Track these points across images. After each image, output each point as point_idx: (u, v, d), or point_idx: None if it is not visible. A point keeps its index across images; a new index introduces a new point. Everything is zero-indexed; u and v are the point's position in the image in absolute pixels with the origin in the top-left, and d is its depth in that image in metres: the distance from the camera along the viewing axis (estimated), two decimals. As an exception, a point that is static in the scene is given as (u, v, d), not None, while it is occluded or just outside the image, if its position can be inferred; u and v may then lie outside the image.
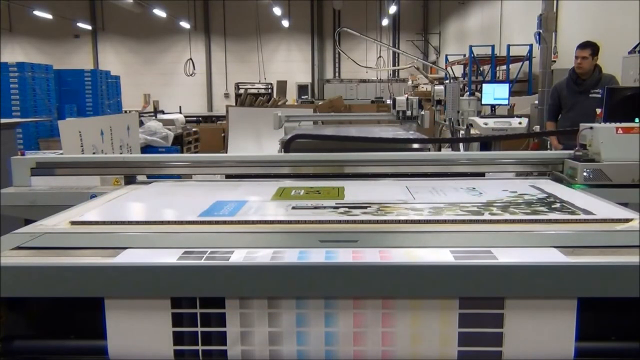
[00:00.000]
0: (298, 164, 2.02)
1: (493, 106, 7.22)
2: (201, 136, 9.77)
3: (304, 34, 22.36)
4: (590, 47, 4.64)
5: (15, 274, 1.01)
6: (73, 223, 1.33)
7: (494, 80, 10.86)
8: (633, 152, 1.77)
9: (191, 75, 17.68)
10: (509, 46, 10.73)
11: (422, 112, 4.43)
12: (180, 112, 12.36)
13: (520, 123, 5.78)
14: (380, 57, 19.12)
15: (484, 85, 7.97)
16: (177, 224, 1.32)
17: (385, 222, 1.30)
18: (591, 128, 1.87)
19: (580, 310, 0.97)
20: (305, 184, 1.80)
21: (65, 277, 1.01)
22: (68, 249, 1.15)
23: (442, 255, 1.02)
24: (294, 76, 21.23)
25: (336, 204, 1.48)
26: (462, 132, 6.47)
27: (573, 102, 4.77)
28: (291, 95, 19.37)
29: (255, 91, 15.70)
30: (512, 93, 8.01)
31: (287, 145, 2.44)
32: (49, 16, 19.02)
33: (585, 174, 1.77)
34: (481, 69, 11.55)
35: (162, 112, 11.50)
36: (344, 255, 1.02)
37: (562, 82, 5.00)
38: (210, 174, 2.03)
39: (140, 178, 2.05)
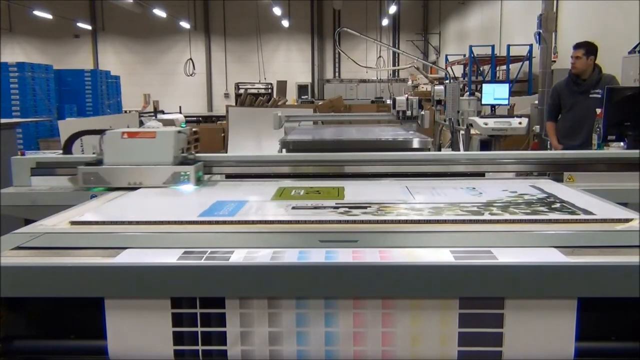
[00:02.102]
0: (298, 164, 2.02)
1: (493, 106, 7.22)
2: (201, 136, 9.77)
3: (304, 34, 22.35)
4: (583, 47, 4.63)
5: (15, 274, 1.01)
6: (73, 223, 1.33)
7: (494, 80, 10.86)
8: (132, 156, 1.84)
9: (191, 75, 17.68)
10: (509, 46, 10.73)
11: (422, 112, 4.43)
12: (180, 112, 12.36)
13: (520, 123, 5.78)
14: (380, 57, 19.11)
15: (484, 85, 7.98)
16: (177, 224, 1.32)
17: (385, 222, 1.30)
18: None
19: (580, 310, 0.97)
20: (305, 184, 1.80)
21: (65, 277, 1.01)
22: (68, 249, 1.15)
23: (442, 255, 1.02)
24: (294, 76, 21.22)
25: (336, 204, 1.48)
26: (462, 132, 6.47)
27: (573, 102, 4.76)
28: (291, 95, 19.36)
29: (255, 91, 15.69)
30: (512, 93, 8.01)
31: (67, 144, 2.39)
32: (49, 16, 19.01)
33: (91, 178, 1.82)
34: (481, 69, 11.55)
35: (162, 112, 11.51)
36: (344, 255, 1.02)
37: (562, 82, 4.99)
38: (210, 173, 2.03)
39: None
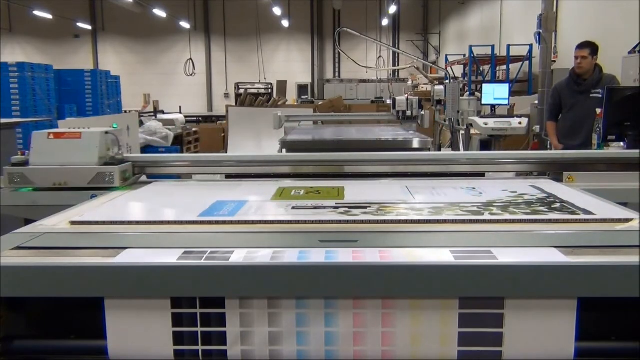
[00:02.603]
0: (298, 164, 2.02)
1: (493, 106, 7.21)
2: (201, 136, 9.76)
3: (304, 34, 22.35)
4: (589, 47, 4.63)
5: (15, 274, 1.01)
6: (73, 223, 1.33)
7: (494, 80, 10.85)
8: (58, 157, 1.84)
9: (191, 75, 17.67)
10: (509, 46, 10.73)
11: (422, 112, 4.43)
12: (180, 112, 12.35)
13: (520, 123, 5.77)
14: (380, 57, 19.11)
15: (484, 85, 7.97)
16: (177, 224, 1.32)
17: (385, 222, 1.30)
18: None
19: (580, 310, 0.97)
20: (305, 184, 1.80)
21: (65, 277, 1.01)
22: (68, 249, 1.15)
23: (442, 255, 1.02)
24: (294, 76, 21.22)
25: (336, 204, 1.48)
26: (462, 132, 6.47)
27: (573, 102, 4.77)
28: (291, 95, 19.35)
29: (255, 91, 15.68)
30: (512, 93, 8.00)
31: None
32: (49, 16, 19.01)
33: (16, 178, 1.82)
34: (481, 69, 11.54)
35: (162, 112, 11.50)
36: (344, 255, 1.02)
37: (562, 82, 5.00)
38: (210, 173, 2.03)
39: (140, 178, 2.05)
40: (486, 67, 11.41)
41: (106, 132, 1.92)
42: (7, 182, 1.83)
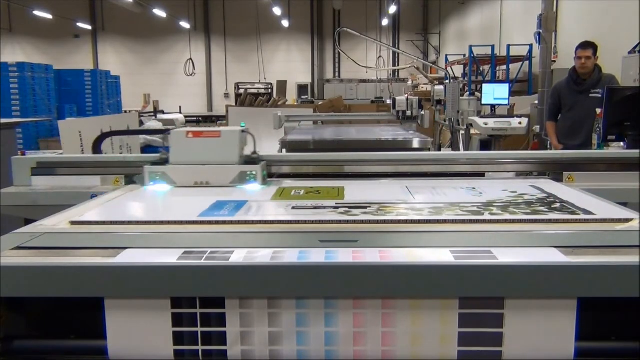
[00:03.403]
0: (298, 164, 2.02)
1: (493, 106, 7.21)
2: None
3: (304, 34, 22.34)
4: (591, 47, 4.64)
5: (15, 274, 1.01)
6: (73, 223, 1.33)
7: (494, 80, 10.85)
8: (198, 156, 1.83)
9: (191, 75, 17.67)
10: (509, 46, 10.73)
11: (422, 112, 4.43)
12: (180, 112, 12.36)
13: (520, 123, 5.78)
14: (380, 57, 19.11)
15: (484, 85, 7.97)
16: (177, 224, 1.32)
17: (385, 222, 1.30)
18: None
19: (580, 310, 0.97)
20: (305, 184, 1.80)
21: (65, 277, 1.01)
22: (68, 249, 1.15)
23: (442, 255, 1.02)
24: (294, 76, 21.22)
25: (336, 204, 1.48)
26: (462, 132, 6.47)
27: (573, 102, 4.77)
28: (291, 95, 19.35)
29: (255, 91, 15.69)
30: (512, 93, 8.01)
31: (96, 144, 2.37)
32: (49, 16, 19.00)
33: (157, 177, 1.81)
34: (481, 69, 11.54)
35: (162, 112, 11.50)
36: (344, 255, 1.02)
37: (562, 81, 4.99)
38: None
39: (140, 178, 2.05)
40: (486, 67, 11.41)
41: (242, 131, 1.91)
42: (148, 180, 1.81)
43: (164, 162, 1.87)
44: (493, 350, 0.99)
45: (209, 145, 1.85)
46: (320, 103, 12.95)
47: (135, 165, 2.01)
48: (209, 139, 1.87)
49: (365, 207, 1.42)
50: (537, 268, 0.97)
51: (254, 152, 1.91)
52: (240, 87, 17.21)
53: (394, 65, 20.82)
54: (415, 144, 3.14)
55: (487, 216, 1.33)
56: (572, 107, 4.79)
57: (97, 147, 2.32)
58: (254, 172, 1.80)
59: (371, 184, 1.84)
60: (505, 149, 5.60)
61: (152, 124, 8.13)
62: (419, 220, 1.31)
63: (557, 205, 1.44)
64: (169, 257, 1.03)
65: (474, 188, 1.69)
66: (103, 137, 2.38)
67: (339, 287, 0.98)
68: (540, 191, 1.63)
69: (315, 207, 1.45)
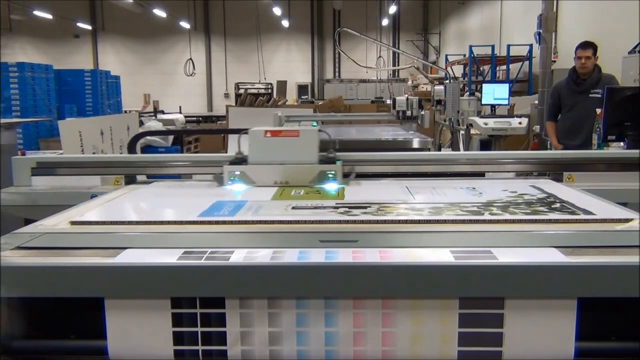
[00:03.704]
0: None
1: (493, 106, 7.21)
2: (201, 136, 9.77)
3: (304, 34, 22.35)
4: (591, 47, 4.64)
5: (15, 274, 1.01)
6: (73, 223, 1.33)
7: (494, 80, 10.86)
8: (277, 155, 1.82)
9: (191, 75, 17.68)
10: (509, 46, 10.73)
11: (422, 112, 4.43)
12: (180, 112, 12.36)
13: (520, 123, 5.78)
14: (380, 57, 19.12)
15: (484, 85, 7.97)
16: (177, 224, 1.32)
17: (385, 222, 1.30)
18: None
19: (580, 310, 0.97)
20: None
21: (65, 277, 1.01)
22: (68, 249, 1.15)
23: (442, 255, 1.02)
24: (294, 76, 21.22)
25: (336, 204, 1.48)
26: (462, 132, 6.47)
27: (573, 102, 4.77)
28: (291, 95, 19.35)
29: (255, 91, 15.69)
30: (512, 93, 8.01)
31: (131, 144, 2.36)
32: (49, 16, 19.01)
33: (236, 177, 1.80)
34: (481, 69, 11.55)
35: (162, 112, 11.50)
36: (344, 255, 1.02)
37: (562, 82, 5.00)
38: (211, 173, 2.02)
39: (140, 178, 2.05)
40: (486, 67, 11.41)
41: (319, 131, 1.91)
42: (227, 180, 1.80)
43: (241, 161, 1.85)
44: (493, 350, 0.99)
45: (287, 145, 1.84)
46: (320, 103, 12.96)
47: (136, 166, 2.01)
48: (287, 138, 1.86)
49: (365, 207, 1.42)
50: (537, 268, 0.97)
51: (331, 151, 1.89)
52: (240, 87, 17.21)
53: (394, 65, 20.83)
54: (415, 144, 3.14)
55: (487, 216, 1.33)
56: (572, 107, 4.79)
57: (132, 147, 2.31)
58: (333, 171, 1.79)
59: (371, 184, 1.84)
60: (505, 149, 5.60)
61: (152, 124, 8.13)
62: (419, 220, 1.31)
63: (557, 205, 1.44)
64: (169, 257, 1.03)
65: (474, 188, 1.69)
66: (138, 137, 2.37)
67: (339, 287, 0.98)
68: (540, 191, 1.63)
69: (315, 207, 1.45)
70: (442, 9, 19.60)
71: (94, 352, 1.06)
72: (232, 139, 8.79)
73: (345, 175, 1.88)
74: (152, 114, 10.90)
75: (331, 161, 1.84)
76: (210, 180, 1.98)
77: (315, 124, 1.92)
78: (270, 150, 1.84)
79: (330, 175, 1.78)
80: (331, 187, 1.76)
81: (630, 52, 5.85)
